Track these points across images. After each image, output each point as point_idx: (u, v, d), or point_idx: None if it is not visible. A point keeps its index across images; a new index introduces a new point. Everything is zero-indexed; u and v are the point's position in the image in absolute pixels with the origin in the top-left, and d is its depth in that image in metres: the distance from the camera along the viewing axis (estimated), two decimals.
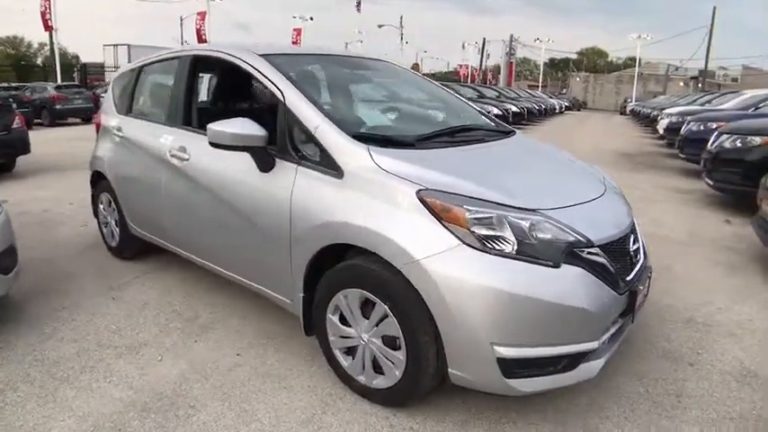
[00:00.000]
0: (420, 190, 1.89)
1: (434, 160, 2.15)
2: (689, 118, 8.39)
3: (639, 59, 45.23)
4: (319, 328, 2.23)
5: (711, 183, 5.77)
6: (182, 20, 39.75)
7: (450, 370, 1.86)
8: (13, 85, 20.91)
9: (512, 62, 48.75)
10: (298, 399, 2.16)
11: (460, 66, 58.08)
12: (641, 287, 2.11)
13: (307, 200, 2.15)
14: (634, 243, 2.21)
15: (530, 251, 1.79)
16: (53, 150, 9.47)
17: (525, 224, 1.82)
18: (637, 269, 2.13)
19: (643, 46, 43.87)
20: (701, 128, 7.54)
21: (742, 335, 2.82)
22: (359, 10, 42.07)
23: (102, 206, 3.85)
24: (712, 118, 7.72)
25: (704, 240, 4.59)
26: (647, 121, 17.51)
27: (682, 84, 43.16)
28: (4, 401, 2.12)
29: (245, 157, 2.34)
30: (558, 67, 78.32)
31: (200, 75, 3.31)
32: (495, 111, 14.47)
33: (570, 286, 1.80)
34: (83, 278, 3.41)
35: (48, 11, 22.29)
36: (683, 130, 8.21)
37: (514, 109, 17.08)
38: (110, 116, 3.74)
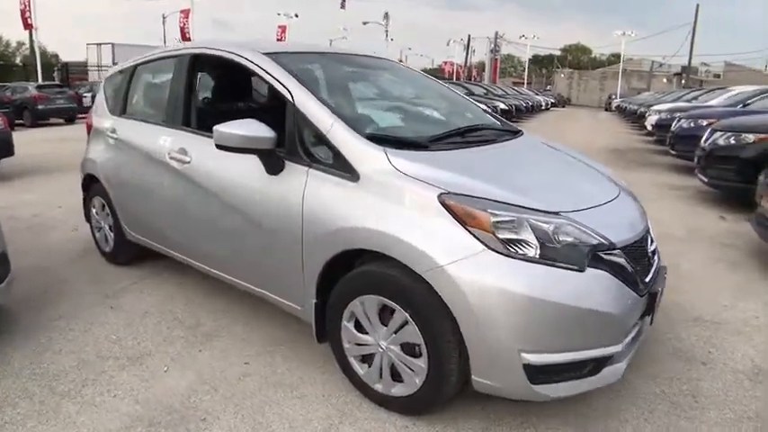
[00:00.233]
0: (442, 194, 1.83)
1: (451, 162, 2.09)
2: (679, 115, 8.46)
3: (623, 56, 45.76)
4: (333, 336, 2.16)
5: (705, 180, 5.81)
6: (164, 18, 39.23)
7: (473, 377, 1.81)
8: None
9: (496, 59, 48.83)
10: (313, 408, 2.10)
11: (445, 63, 58.24)
12: (660, 288, 2.09)
13: (320, 204, 2.08)
14: (651, 244, 2.20)
15: (553, 255, 1.75)
16: (37, 152, 9.22)
17: (549, 227, 1.78)
18: (654, 270, 2.12)
19: (627, 43, 44.43)
20: (692, 125, 7.61)
21: (750, 332, 2.83)
22: (343, 7, 41.77)
23: (94, 210, 3.72)
24: (703, 115, 7.79)
25: (702, 237, 4.62)
26: (634, 118, 17.67)
27: (665, 80, 43.73)
28: (2, 419, 2.01)
29: (252, 160, 2.26)
30: (543, 64, 78.80)
31: (199, 74, 3.21)
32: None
33: (595, 290, 1.77)
34: (77, 285, 3.29)
35: (27, 8, 21.70)
36: (673, 127, 8.27)
37: (503, 106, 17.05)
38: (102, 117, 3.61)
